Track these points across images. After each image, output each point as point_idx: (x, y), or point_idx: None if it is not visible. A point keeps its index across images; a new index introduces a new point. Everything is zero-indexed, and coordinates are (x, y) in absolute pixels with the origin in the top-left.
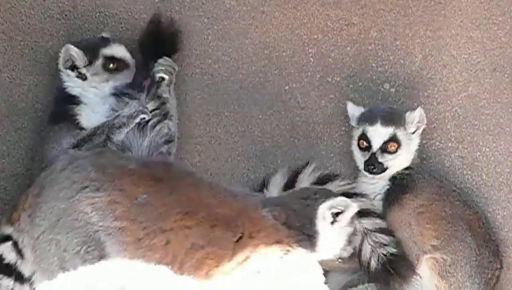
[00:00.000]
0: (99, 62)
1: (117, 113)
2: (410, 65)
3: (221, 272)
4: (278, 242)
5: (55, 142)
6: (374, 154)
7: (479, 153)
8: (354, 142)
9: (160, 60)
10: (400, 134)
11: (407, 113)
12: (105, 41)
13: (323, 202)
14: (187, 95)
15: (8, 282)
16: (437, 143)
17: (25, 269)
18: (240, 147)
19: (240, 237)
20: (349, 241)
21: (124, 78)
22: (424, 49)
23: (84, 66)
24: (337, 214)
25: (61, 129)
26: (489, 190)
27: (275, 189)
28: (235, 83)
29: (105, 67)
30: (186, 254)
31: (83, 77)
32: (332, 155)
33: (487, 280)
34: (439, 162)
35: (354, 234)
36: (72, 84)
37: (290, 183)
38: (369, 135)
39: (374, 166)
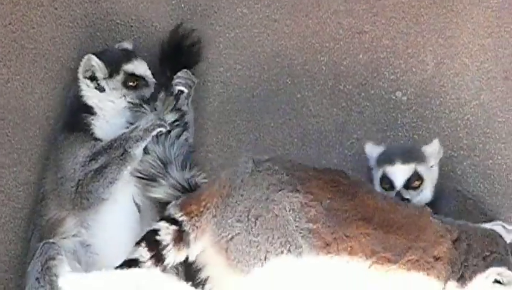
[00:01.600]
0: (119, 77)
1: (134, 126)
2: (422, 73)
3: (384, 275)
4: (437, 258)
5: (71, 153)
6: (398, 192)
7: (491, 161)
8: (376, 184)
9: (179, 73)
10: (421, 169)
11: (424, 147)
12: (128, 56)
13: (497, 264)
14: (199, 103)
15: (145, 254)
16: (449, 151)
17: (170, 257)
18: (252, 155)
19: (409, 243)
20: None
21: (141, 96)
22: (436, 57)
23: (104, 78)
24: (497, 281)
25: (76, 140)
26: (502, 198)
27: None
28: (247, 91)
29: (124, 84)
30: (364, 259)
31: (101, 89)
32: (344, 163)
33: None
34: (451, 170)
35: None
36: (89, 94)
37: None
38: (390, 175)
39: None
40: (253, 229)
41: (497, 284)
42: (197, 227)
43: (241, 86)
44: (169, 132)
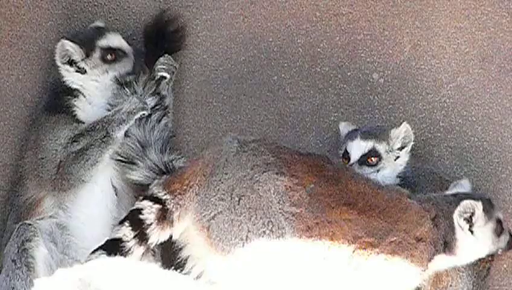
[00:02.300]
0: (96, 54)
1: (116, 109)
2: (399, 55)
3: (367, 260)
4: (419, 239)
5: (52, 135)
6: (351, 165)
7: (467, 143)
8: (340, 161)
9: (161, 59)
10: (381, 148)
11: (392, 130)
12: (101, 32)
13: (455, 206)
14: (176, 84)
15: (128, 233)
16: (426, 133)
17: (154, 236)
18: (237, 135)
19: (391, 225)
20: (500, 232)
21: (123, 67)
22: (412, 40)
23: (82, 60)
24: (471, 217)
25: (58, 121)
26: (478, 180)
27: None
28: (224, 73)
29: (103, 59)
30: (347, 245)
31: (82, 71)
32: (321, 145)
33: (478, 271)
34: (428, 152)
35: (500, 222)
36: (72, 78)
37: None
38: (348, 149)
39: None
40: (235, 208)
41: (473, 219)
42: (180, 205)
43: (218, 68)
44: (149, 115)
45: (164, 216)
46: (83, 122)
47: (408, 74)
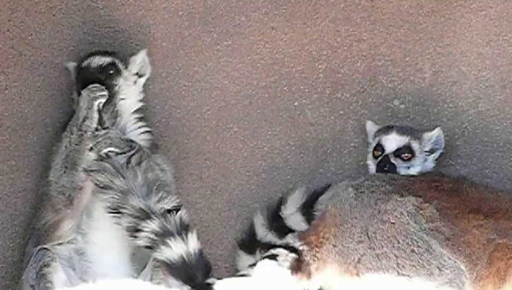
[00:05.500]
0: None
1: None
2: (420, 82)
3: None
4: None
5: (56, 155)
6: (386, 155)
7: (488, 170)
8: (369, 154)
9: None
10: (415, 145)
11: (426, 132)
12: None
13: None
14: (197, 110)
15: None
16: (446, 159)
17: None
18: (249, 163)
19: None
20: None
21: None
22: (434, 66)
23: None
24: None
25: (61, 141)
26: None
27: (292, 207)
28: (245, 98)
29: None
30: (483, 250)
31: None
32: (341, 171)
33: None
34: None
35: None
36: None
37: (309, 203)
38: (383, 142)
39: (385, 166)
40: (376, 244)
41: None
42: (317, 258)
43: (239, 93)
44: (128, 162)
45: (299, 267)
46: None
47: (429, 100)
